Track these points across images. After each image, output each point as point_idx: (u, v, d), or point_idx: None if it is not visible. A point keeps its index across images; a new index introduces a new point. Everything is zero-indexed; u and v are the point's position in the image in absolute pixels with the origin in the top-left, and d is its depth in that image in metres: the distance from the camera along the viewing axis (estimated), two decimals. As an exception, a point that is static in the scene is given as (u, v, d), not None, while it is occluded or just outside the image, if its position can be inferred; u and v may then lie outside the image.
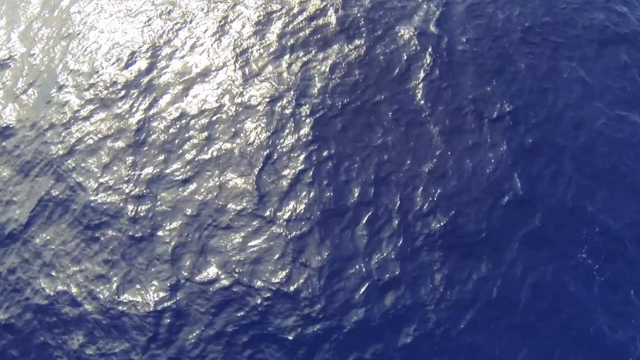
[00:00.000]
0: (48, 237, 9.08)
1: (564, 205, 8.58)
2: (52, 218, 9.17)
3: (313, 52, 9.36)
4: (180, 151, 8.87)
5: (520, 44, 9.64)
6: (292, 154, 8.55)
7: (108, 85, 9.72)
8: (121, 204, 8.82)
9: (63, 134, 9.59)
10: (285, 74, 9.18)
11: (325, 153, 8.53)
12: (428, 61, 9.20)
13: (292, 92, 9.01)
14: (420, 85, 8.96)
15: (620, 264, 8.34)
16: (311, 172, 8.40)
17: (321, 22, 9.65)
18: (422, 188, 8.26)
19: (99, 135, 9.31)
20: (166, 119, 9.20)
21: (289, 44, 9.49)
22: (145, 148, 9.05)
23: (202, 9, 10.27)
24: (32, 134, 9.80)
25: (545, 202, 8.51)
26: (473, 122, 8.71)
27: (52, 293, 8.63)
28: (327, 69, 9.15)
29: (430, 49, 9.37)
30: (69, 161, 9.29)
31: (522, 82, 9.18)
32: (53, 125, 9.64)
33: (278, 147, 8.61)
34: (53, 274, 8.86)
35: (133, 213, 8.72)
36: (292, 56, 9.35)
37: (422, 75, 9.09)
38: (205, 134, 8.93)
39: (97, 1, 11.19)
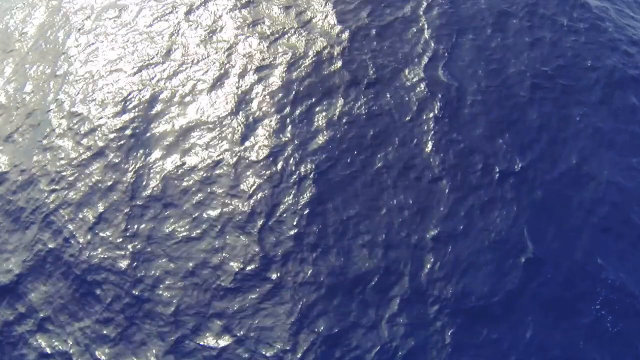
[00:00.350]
0: (44, 290, 8.77)
1: (575, 261, 8.42)
2: (48, 270, 8.85)
3: (319, 99, 9.06)
4: (180, 205, 8.56)
5: (532, 90, 9.40)
6: (296, 212, 8.28)
7: (104, 130, 9.36)
8: (119, 259, 8.52)
9: (57, 180, 9.23)
10: (289, 124, 8.87)
11: (331, 211, 8.27)
12: (437, 111, 8.94)
13: (296, 144, 8.71)
14: (430, 138, 8.71)
15: (632, 318, 8.22)
16: (317, 231, 8.15)
17: (327, 67, 9.33)
18: (433, 249, 8.04)
19: (95, 185, 8.97)
20: (165, 169, 8.87)
21: (293, 90, 9.17)
22: (144, 200, 8.73)
23: (204, 50, 9.90)
24: (25, 180, 9.43)
25: (556, 259, 8.34)
26: (485, 178, 8.49)
27: (49, 350, 8.34)
28: (334, 118, 8.86)
29: (439, 97, 9.11)
30: (64, 211, 8.95)
31: (534, 133, 8.96)
32: (47, 172, 9.28)
33: (282, 204, 8.33)
34: (50, 328, 8.57)
35: (132, 269, 8.43)
36: (297, 104, 9.04)
37: (432, 126, 8.83)
38: (205, 186, 8.62)
39: (95, 36, 10.78)
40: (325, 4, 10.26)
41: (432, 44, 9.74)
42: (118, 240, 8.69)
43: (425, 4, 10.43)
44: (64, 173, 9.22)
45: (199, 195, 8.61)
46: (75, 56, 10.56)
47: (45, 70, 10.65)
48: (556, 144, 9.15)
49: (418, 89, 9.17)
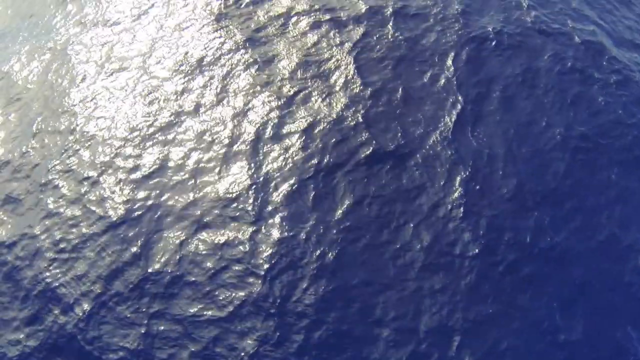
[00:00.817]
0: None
1: (607, 332, 8.09)
2: (59, 343, 8.40)
3: (342, 167, 8.56)
4: (196, 281, 8.10)
5: (567, 151, 8.94)
6: (318, 291, 7.82)
7: (115, 198, 8.83)
8: (134, 336, 8.09)
9: (65, 248, 8.73)
10: (311, 194, 8.35)
11: (356, 292, 7.81)
12: (468, 181, 8.48)
13: (318, 216, 8.23)
14: (461, 211, 8.24)
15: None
16: (341, 314, 7.69)
17: (350, 131, 8.82)
18: (464, 331, 7.61)
19: (107, 256, 8.47)
20: (179, 242, 8.35)
21: (315, 157, 8.62)
22: (158, 274, 8.26)
23: (220, 109, 9.36)
24: (31, 244, 8.93)
25: (589, 333, 7.99)
26: (517, 253, 8.03)
27: None
28: (359, 187, 8.37)
29: (470, 163, 8.63)
30: (73, 282, 8.47)
31: (571, 201, 8.51)
32: (54, 239, 8.78)
33: (303, 283, 7.86)
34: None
35: (148, 347, 7.99)
36: (319, 172, 8.52)
37: (462, 195, 8.37)
38: (223, 261, 8.14)
39: (104, 88, 10.22)
40: (347, 57, 9.76)
41: (461, 103, 9.25)
42: (131, 315, 8.24)
43: (452, 53, 9.94)
44: (73, 241, 8.75)
45: (216, 270, 8.14)
46: (81, 111, 10.00)
47: (49, 123, 10.13)
48: (592, 212, 8.70)
49: (447, 155, 8.69)
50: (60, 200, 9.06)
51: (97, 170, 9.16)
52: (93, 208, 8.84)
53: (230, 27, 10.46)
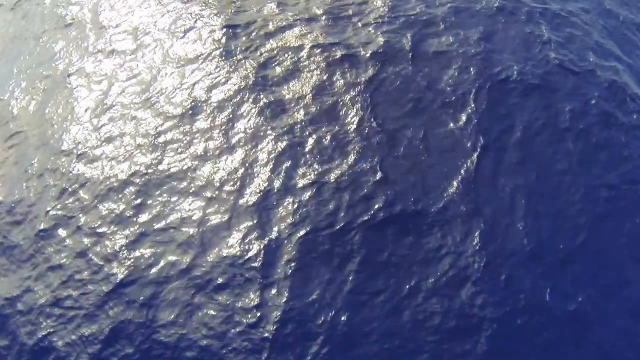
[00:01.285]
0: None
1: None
2: None
3: (352, 229, 8.17)
4: (200, 354, 7.77)
5: (593, 203, 8.56)
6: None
7: (114, 258, 8.28)
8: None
9: (64, 312, 8.35)
10: (320, 261, 7.96)
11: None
12: (481, 244, 8.09)
13: (324, 292, 7.83)
14: (475, 279, 7.83)
15: None
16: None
17: (366, 193, 8.34)
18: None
19: (103, 327, 8.02)
20: (177, 320, 7.90)
21: (324, 225, 8.13)
22: (162, 338, 7.92)
23: (223, 168, 8.82)
24: (31, 303, 8.51)
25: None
26: (535, 323, 7.68)
27: None
28: (372, 256, 8.00)
29: (490, 216, 8.27)
30: (73, 346, 8.10)
31: (596, 257, 8.15)
32: (56, 296, 8.39)
33: (310, 355, 7.50)
34: None
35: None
36: (328, 240, 8.04)
37: (476, 260, 7.97)
38: (222, 340, 7.72)
39: (113, 124, 9.75)
40: (363, 97, 9.29)
41: (482, 149, 8.82)
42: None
43: (473, 93, 9.46)
44: (74, 296, 8.37)
45: (225, 332, 7.77)
46: (82, 150, 9.53)
47: (49, 159, 9.64)
48: (617, 267, 8.33)
49: (467, 209, 8.28)
50: (61, 250, 8.66)
51: (100, 219, 8.75)
52: (96, 260, 8.45)
53: (241, 60, 9.96)
